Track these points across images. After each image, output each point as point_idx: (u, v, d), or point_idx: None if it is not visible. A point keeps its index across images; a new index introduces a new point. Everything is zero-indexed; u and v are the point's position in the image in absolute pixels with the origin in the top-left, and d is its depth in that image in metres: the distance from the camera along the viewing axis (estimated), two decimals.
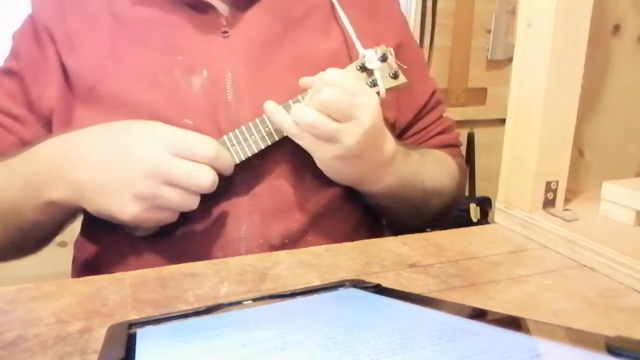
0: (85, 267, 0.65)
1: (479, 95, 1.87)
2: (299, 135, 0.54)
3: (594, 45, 0.55)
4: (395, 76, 0.58)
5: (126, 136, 0.52)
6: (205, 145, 0.52)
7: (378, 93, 0.57)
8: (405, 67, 0.59)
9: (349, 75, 0.57)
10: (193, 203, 0.53)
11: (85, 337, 0.37)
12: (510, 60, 1.78)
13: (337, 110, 0.52)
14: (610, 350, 0.24)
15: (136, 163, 0.50)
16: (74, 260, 0.68)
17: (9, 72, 0.64)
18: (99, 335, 0.37)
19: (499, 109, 1.78)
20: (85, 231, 0.66)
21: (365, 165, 0.57)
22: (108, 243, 0.62)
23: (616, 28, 0.65)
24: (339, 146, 0.53)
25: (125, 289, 0.44)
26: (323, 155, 0.55)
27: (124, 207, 0.51)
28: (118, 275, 0.47)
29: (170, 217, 0.54)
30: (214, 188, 0.53)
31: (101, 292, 0.44)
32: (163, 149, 0.51)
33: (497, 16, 1.80)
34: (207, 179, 0.51)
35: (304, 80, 0.56)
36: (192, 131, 0.54)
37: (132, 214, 0.51)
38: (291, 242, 0.61)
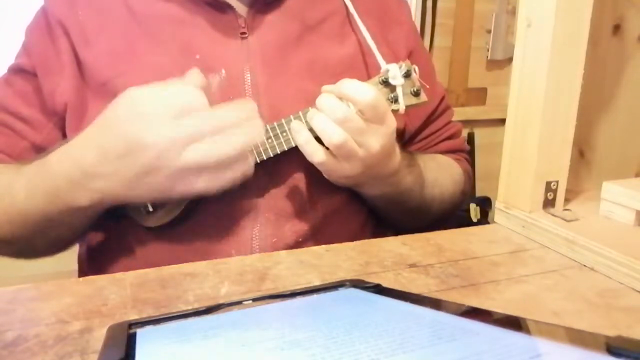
0: (91, 263, 0.65)
1: (479, 95, 1.87)
2: (315, 153, 0.54)
3: (594, 45, 0.56)
4: (416, 94, 0.57)
5: (127, 127, 0.50)
6: (193, 96, 0.49)
7: (397, 110, 0.57)
8: (427, 86, 0.59)
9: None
10: (225, 147, 0.49)
11: (85, 337, 0.37)
12: (510, 60, 1.78)
13: (378, 112, 0.53)
14: (610, 350, 0.24)
15: (149, 149, 0.48)
16: (80, 256, 0.68)
17: (20, 70, 0.63)
18: (99, 335, 0.37)
19: (499, 109, 1.78)
20: (91, 226, 0.65)
21: (370, 174, 0.58)
22: (116, 238, 0.62)
23: (616, 28, 0.65)
24: (362, 152, 0.54)
25: (125, 289, 0.44)
26: (344, 168, 0.56)
27: (161, 188, 0.49)
28: (118, 275, 0.47)
29: (227, 175, 0.50)
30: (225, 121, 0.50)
31: (101, 292, 0.44)
32: (166, 120, 0.48)
33: (497, 16, 1.80)
34: (211, 119, 0.49)
35: (327, 88, 0.56)
36: (172, 83, 0.51)
37: (181, 190, 0.49)
38: (304, 240, 0.61)
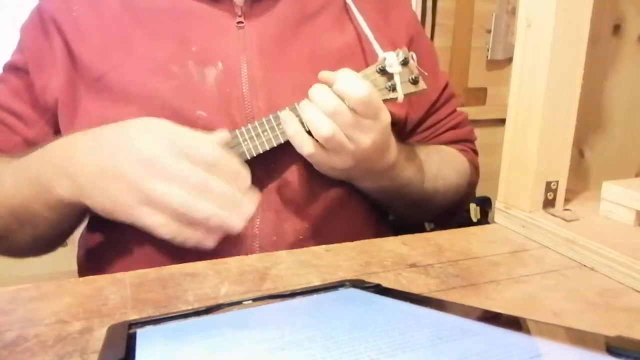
0: (90, 263, 0.64)
1: (479, 95, 1.87)
2: (306, 144, 0.53)
3: (594, 45, 0.56)
4: (415, 81, 0.56)
5: (132, 131, 0.48)
6: (204, 148, 0.47)
7: (396, 98, 0.56)
8: (426, 73, 0.58)
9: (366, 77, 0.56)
10: (194, 204, 0.45)
11: (85, 337, 0.37)
12: (510, 60, 1.78)
13: (370, 108, 0.52)
14: (610, 350, 0.24)
15: (132, 156, 0.46)
16: (79, 256, 0.67)
17: (14, 67, 0.64)
18: (99, 335, 0.37)
19: (499, 109, 1.77)
20: (90, 226, 0.65)
21: (363, 168, 0.57)
22: (114, 238, 0.61)
23: (616, 28, 0.65)
24: (352, 147, 0.53)
25: (125, 289, 0.44)
26: (335, 159, 0.55)
27: (119, 200, 0.46)
28: (118, 275, 0.47)
29: (183, 232, 0.46)
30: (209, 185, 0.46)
31: (101, 292, 0.44)
32: (165, 150, 0.46)
33: (497, 16, 1.80)
34: (198, 179, 0.46)
35: (323, 75, 0.55)
36: (200, 132, 0.49)
37: (133, 214, 0.46)
38: (305, 239, 0.61)
